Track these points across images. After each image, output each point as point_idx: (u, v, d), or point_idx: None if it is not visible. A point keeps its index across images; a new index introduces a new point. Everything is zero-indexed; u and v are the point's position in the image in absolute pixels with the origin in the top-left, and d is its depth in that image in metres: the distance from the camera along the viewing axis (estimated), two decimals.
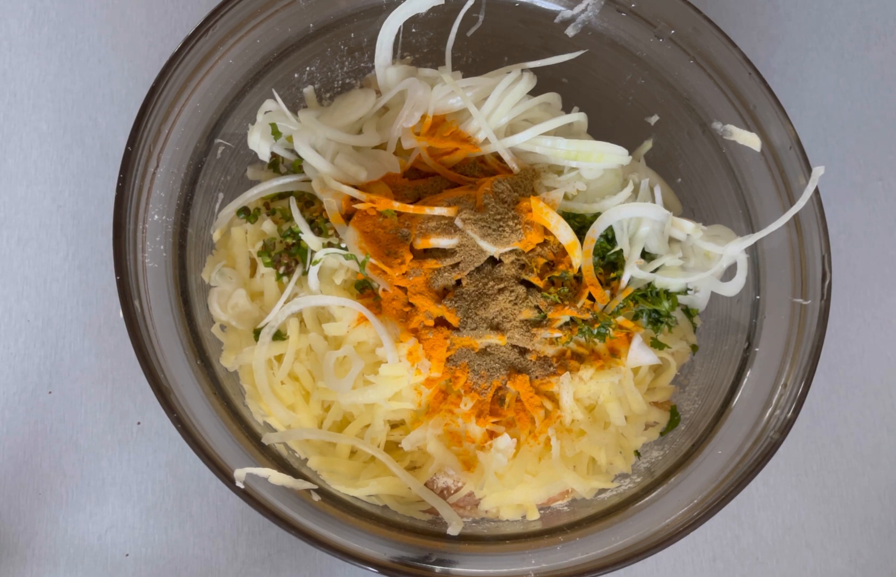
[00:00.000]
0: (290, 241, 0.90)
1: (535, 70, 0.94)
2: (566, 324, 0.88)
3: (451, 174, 0.93)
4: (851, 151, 1.15)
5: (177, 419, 0.74)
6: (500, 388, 0.87)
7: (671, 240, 0.93)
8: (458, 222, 0.86)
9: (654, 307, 0.92)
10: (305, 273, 0.88)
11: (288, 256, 0.89)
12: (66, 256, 1.01)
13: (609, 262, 0.92)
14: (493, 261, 0.88)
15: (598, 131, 0.96)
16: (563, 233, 0.87)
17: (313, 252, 0.87)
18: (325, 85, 0.96)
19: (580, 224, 0.91)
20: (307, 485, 0.79)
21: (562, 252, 0.89)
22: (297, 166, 0.94)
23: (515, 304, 0.86)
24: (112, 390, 0.97)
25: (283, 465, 0.81)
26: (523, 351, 0.87)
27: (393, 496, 0.85)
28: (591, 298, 0.88)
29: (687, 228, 0.91)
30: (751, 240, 0.89)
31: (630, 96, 0.97)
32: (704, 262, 0.92)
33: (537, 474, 0.86)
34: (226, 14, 0.85)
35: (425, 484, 0.85)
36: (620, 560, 0.76)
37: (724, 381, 0.89)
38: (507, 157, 0.91)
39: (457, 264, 0.87)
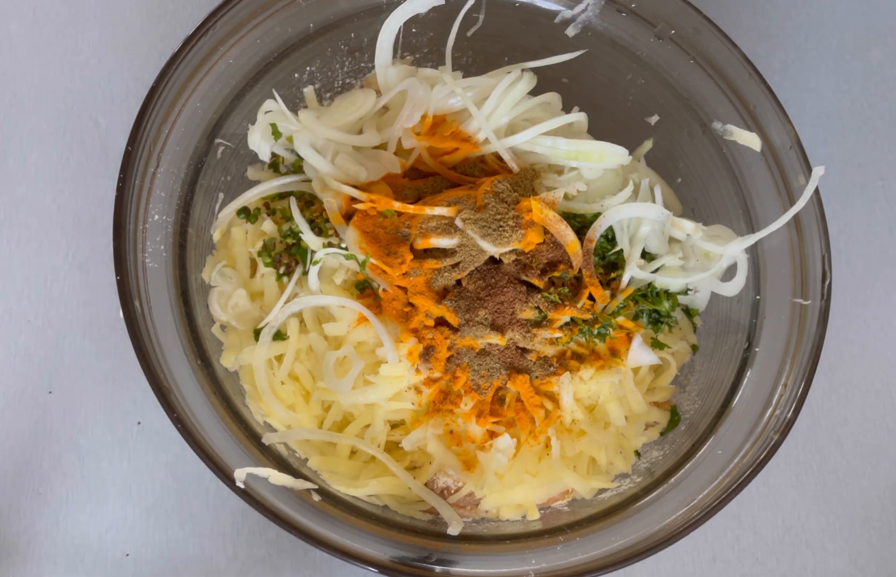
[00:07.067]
0: (290, 241, 0.90)
1: (535, 70, 0.93)
2: (566, 324, 0.88)
3: (452, 174, 0.93)
4: (851, 151, 1.15)
5: (177, 419, 0.74)
6: (500, 388, 0.87)
7: (671, 240, 0.93)
8: (458, 222, 0.86)
9: (654, 307, 0.91)
10: (305, 273, 0.88)
11: (288, 256, 0.89)
12: (66, 256, 1.01)
13: (609, 262, 0.92)
14: (494, 261, 0.88)
15: (598, 131, 0.96)
16: (564, 233, 0.87)
17: (313, 252, 0.87)
18: (326, 85, 0.96)
19: (580, 224, 0.91)
20: (307, 485, 0.79)
21: None
22: (297, 166, 0.94)
23: (515, 304, 0.86)
24: (112, 390, 0.97)
25: (283, 465, 0.81)
26: (523, 351, 0.87)
27: (393, 496, 0.85)
28: (591, 298, 0.88)
29: (687, 228, 0.91)
30: (751, 240, 0.89)
31: (630, 96, 0.97)
32: (704, 262, 0.92)
33: (537, 474, 0.86)
34: (226, 14, 0.86)
35: (425, 484, 0.85)
36: (620, 560, 0.76)
37: (724, 381, 0.89)
38: (507, 157, 0.91)
39: (457, 264, 0.87)
